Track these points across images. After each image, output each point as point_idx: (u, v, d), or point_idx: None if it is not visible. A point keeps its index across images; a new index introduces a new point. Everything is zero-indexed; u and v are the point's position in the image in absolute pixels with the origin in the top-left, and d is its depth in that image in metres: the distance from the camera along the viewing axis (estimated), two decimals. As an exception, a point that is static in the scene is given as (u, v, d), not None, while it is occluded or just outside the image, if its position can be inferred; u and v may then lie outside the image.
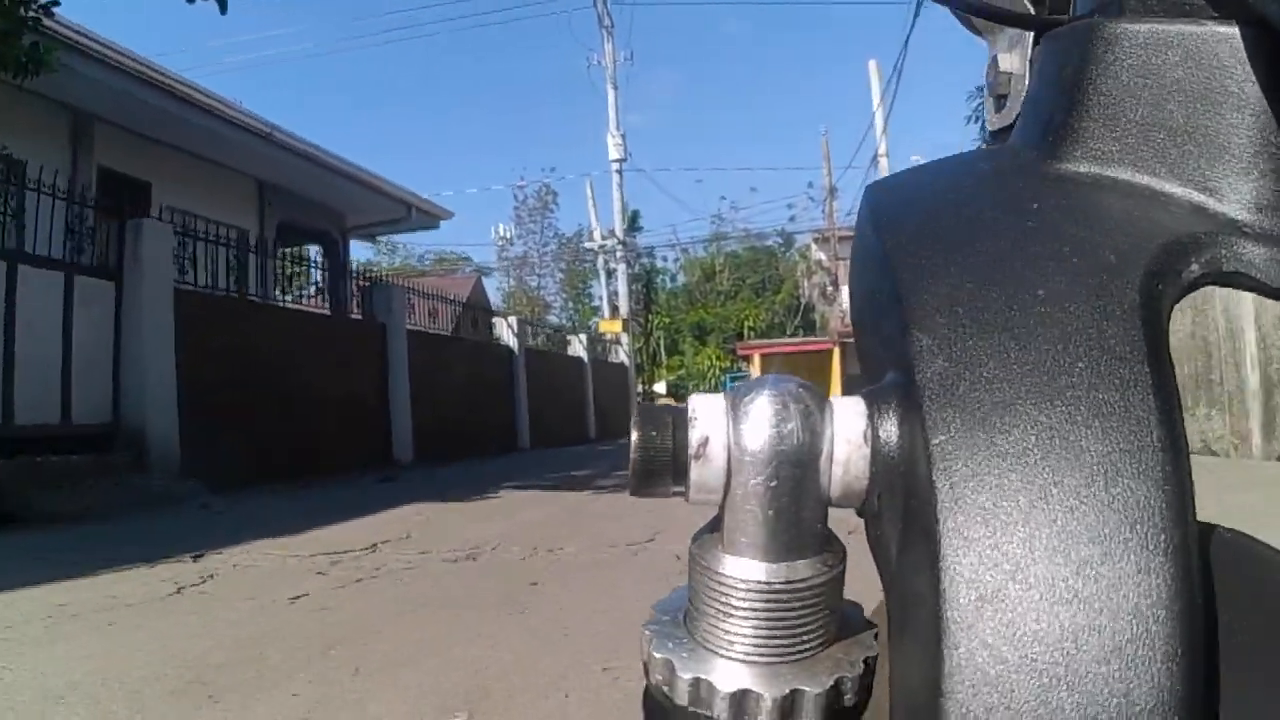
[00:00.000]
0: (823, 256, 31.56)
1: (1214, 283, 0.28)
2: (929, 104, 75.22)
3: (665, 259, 39.68)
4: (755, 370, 30.70)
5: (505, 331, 17.45)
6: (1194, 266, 0.28)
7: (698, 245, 38.68)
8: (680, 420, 0.28)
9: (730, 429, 0.27)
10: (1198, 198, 0.29)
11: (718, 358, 33.84)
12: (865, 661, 0.28)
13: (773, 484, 0.27)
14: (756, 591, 0.27)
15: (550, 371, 19.00)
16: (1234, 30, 0.29)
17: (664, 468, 0.28)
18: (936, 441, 0.24)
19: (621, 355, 26.31)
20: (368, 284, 13.33)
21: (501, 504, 7.09)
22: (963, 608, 0.23)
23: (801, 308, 34.24)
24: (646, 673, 0.29)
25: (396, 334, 12.85)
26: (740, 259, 38.50)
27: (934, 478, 0.24)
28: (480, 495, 7.65)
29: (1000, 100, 0.42)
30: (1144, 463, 0.23)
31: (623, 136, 29.62)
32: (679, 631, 0.29)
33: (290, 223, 13.77)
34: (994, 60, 0.42)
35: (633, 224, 33.98)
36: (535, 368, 17.89)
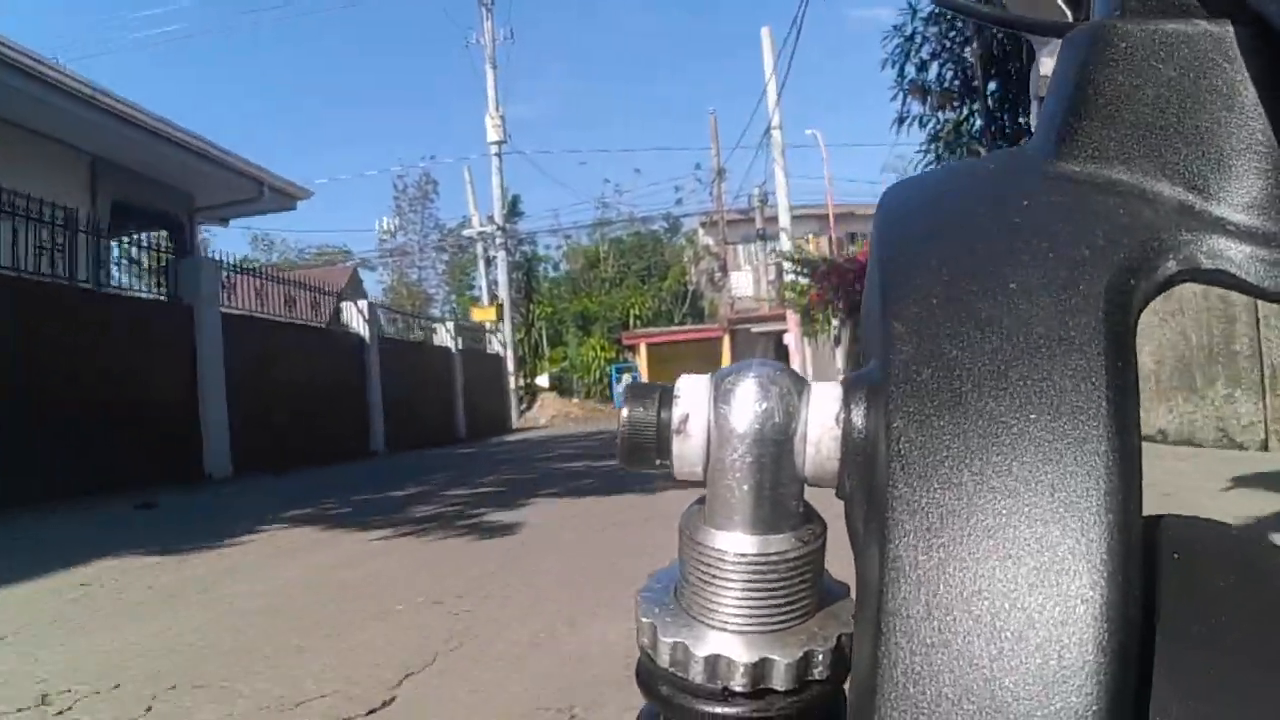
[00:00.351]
0: (710, 241, 30.36)
1: (1192, 279, 0.29)
2: (831, 71, 75.35)
3: (549, 247, 38.15)
4: (641, 361, 29.29)
5: (355, 318, 15.35)
6: (1170, 263, 0.28)
7: (581, 231, 37.16)
8: (666, 398, 0.30)
9: (711, 407, 0.29)
10: (1186, 196, 0.30)
11: (602, 348, 32.26)
12: (840, 638, 0.29)
13: (749, 460, 0.28)
14: (732, 562, 0.29)
15: (412, 364, 17.06)
16: (1229, 29, 0.30)
17: (649, 442, 0.30)
18: (895, 425, 0.25)
19: (496, 345, 24.48)
20: (172, 257, 11.13)
21: (243, 556, 4.78)
22: (900, 588, 0.24)
23: (689, 295, 33.17)
24: (638, 637, 0.31)
25: (209, 318, 10.74)
26: (625, 245, 37.13)
27: (890, 460, 0.25)
28: (229, 538, 5.33)
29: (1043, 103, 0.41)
30: (1088, 452, 0.24)
31: (502, 118, 28.35)
32: (667, 598, 0.31)
33: (127, 202, 11.72)
34: (1037, 64, 0.44)
35: (513, 209, 32.41)
36: (393, 360, 15.91)
